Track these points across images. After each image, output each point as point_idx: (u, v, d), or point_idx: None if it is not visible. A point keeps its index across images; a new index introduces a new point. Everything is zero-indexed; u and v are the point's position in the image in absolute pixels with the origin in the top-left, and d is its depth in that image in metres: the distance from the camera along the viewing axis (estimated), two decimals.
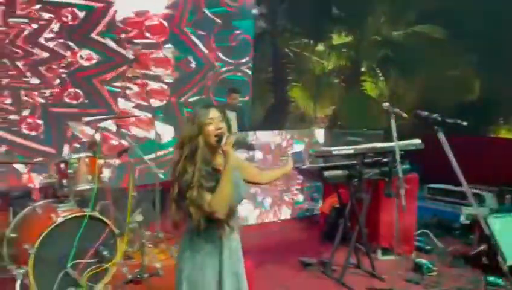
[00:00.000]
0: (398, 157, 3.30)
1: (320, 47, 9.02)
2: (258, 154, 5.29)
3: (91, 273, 3.10)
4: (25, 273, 2.88)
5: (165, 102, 6.18)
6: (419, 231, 4.70)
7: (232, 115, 5.95)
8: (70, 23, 5.39)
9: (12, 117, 5.13)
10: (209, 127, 2.01)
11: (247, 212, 5.34)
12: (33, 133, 5.24)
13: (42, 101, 5.28)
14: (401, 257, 4.19)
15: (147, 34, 5.98)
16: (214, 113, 2.06)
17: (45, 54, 5.29)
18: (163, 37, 6.11)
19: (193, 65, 6.47)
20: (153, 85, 6.11)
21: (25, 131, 5.21)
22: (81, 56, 5.52)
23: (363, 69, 8.90)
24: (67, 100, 5.45)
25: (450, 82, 8.00)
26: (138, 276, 3.35)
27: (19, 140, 5.16)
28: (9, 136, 5.11)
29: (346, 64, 8.82)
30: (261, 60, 8.61)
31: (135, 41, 5.88)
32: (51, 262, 2.96)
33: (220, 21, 6.56)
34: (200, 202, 1.92)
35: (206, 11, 6.49)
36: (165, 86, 6.20)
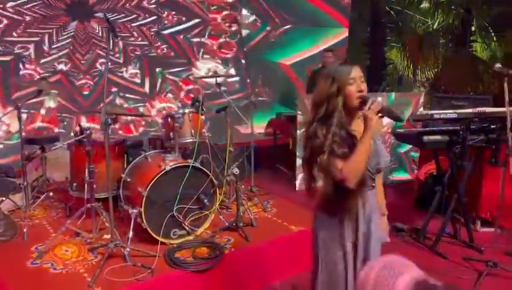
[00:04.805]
0: (508, 123, 3.06)
1: (426, 4, 8.35)
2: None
3: (193, 218, 3.40)
4: (137, 213, 3.22)
5: None
6: None
7: None
8: None
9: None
10: (350, 88, 1.84)
11: None
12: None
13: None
14: (504, 230, 3.94)
15: None
16: (356, 72, 1.86)
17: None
18: None
19: None
20: None
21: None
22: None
23: (473, 29, 8.09)
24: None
25: None
26: (234, 224, 3.57)
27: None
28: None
29: (454, 23, 8.09)
30: (359, 19, 8.26)
31: None
32: (159, 205, 3.27)
33: None
34: (330, 168, 1.79)
35: None
36: None
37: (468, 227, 3.85)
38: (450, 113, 3.57)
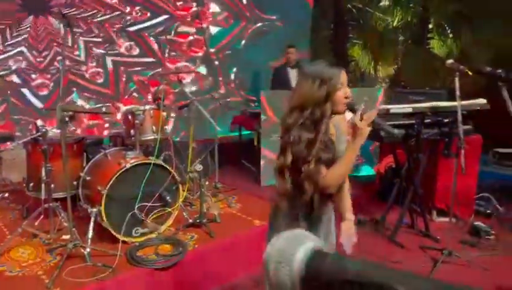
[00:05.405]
0: (459, 116, 3.19)
1: (385, 2, 8.58)
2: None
3: (156, 215, 3.36)
4: (97, 212, 3.16)
5: None
6: (480, 195, 4.55)
7: (292, 73, 5.95)
8: None
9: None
10: (339, 93, 1.76)
11: None
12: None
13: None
14: (458, 219, 4.12)
15: None
16: (344, 76, 1.79)
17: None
18: None
19: None
20: None
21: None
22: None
23: (430, 26, 8.37)
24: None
25: None
26: (198, 221, 3.56)
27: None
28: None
29: (412, 21, 8.34)
30: (322, 17, 8.37)
31: None
32: (120, 203, 3.21)
33: None
34: (316, 176, 1.73)
35: None
36: None
37: (425, 217, 4.00)
38: (406, 108, 3.69)
